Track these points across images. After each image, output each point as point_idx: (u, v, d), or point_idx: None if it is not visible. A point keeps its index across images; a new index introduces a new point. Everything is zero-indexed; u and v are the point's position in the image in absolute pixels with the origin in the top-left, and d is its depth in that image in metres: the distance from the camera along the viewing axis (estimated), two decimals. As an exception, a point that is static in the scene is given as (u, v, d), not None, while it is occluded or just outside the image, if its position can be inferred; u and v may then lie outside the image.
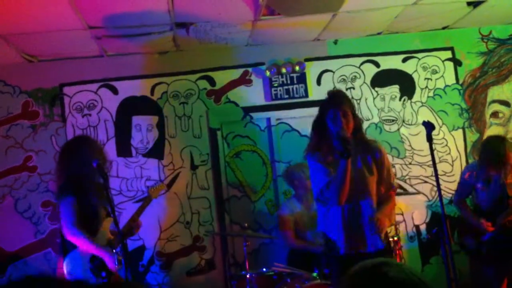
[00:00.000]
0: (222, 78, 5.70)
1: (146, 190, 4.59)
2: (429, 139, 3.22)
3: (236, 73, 5.72)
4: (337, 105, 3.64)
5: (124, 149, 5.56)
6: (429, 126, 3.22)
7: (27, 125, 5.49)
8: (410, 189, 5.68)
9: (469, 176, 4.72)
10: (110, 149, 5.48)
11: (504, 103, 5.85)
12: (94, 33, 4.92)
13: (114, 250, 3.88)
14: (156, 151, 5.58)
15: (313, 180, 3.78)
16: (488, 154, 4.55)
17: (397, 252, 4.81)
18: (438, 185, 3.10)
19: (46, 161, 5.41)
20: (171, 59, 5.65)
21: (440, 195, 3.21)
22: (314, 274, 4.26)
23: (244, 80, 5.73)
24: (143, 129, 5.60)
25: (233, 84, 5.71)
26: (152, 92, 5.63)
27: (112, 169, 5.39)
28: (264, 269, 4.51)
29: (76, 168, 3.99)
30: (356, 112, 3.79)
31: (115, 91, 5.61)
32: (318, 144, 3.75)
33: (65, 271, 3.81)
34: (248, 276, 4.41)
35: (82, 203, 3.93)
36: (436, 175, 3.20)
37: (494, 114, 5.85)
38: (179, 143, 5.60)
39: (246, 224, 4.93)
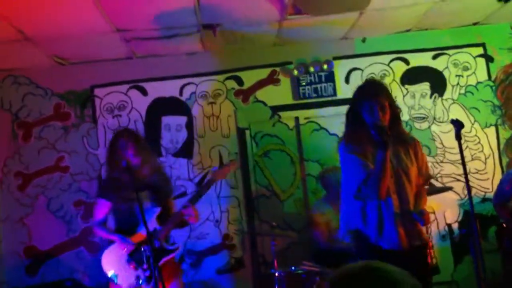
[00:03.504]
0: (250, 77, 5.71)
1: (214, 168, 4.41)
2: (458, 137, 3.14)
3: (263, 73, 5.73)
4: (373, 97, 3.42)
5: (154, 149, 5.59)
6: (457, 125, 3.13)
7: (59, 127, 5.61)
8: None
9: (510, 187, 4.63)
10: (140, 149, 5.56)
11: (538, 99, 5.71)
12: (122, 36, 5.00)
13: (165, 240, 3.91)
14: (185, 151, 5.63)
15: (348, 174, 3.52)
16: None
17: (428, 251, 4.72)
18: (468, 184, 3.04)
19: (78, 162, 5.52)
20: (199, 59, 5.70)
21: (469, 195, 3.14)
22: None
23: (272, 80, 5.73)
24: (172, 129, 5.66)
25: (261, 84, 5.72)
26: (181, 93, 5.69)
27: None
28: (293, 268, 4.49)
29: (112, 168, 4.07)
30: (395, 101, 3.58)
31: (144, 92, 5.68)
32: (353, 134, 3.50)
33: (103, 266, 3.85)
34: (276, 274, 4.41)
35: (117, 205, 4.00)
36: (465, 174, 3.13)
37: (528, 111, 5.72)
38: (207, 143, 5.64)
39: (274, 223, 4.93)
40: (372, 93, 3.46)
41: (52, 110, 5.62)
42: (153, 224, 3.95)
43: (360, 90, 3.58)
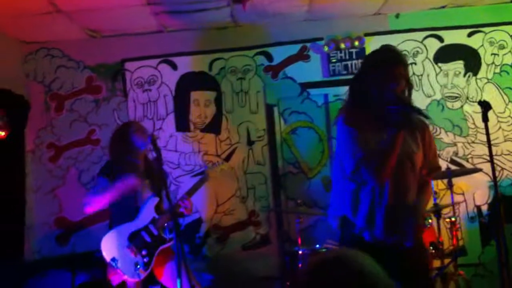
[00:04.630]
0: (279, 53, 5.67)
1: (205, 167, 4.57)
2: (485, 119, 2.96)
3: (293, 49, 5.67)
4: (393, 65, 2.96)
5: (182, 123, 5.65)
6: (485, 106, 2.97)
7: (91, 100, 5.68)
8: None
9: None
10: (169, 124, 5.63)
11: None
12: (153, 9, 5.01)
13: (162, 229, 3.98)
14: (214, 126, 5.65)
15: (345, 151, 3.00)
16: None
17: (454, 233, 4.69)
18: (493, 166, 2.95)
19: (109, 135, 5.53)
20: (228, 34, 5.67)
21: (494, 176, 3.05)
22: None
23: (301, 56, 5.67)
24: (201, 104, 5.67)
25: (291, 60, 5.67)
26: (210, 68, 5.69)
27: (171, 143, 5.53)
28: (317, 246, 4.51)
29: (115, 153, 4.15)
30: (410, 77, 3.12)
31: (174, 66, 5.69)
32: (357, 107, 3.03)
33: (102, 250, 3.93)
34: (300, 252, 4.44)
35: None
36: (491, 155, 3.03)
37: None
38: (236, 119, 5.64)
39: (299, 201, 4.93)
40: (392, 61, 2.98)
41: (84, 83, 5.70)
42: (151, 213, 4.03)
43: (375, 56, 3.12)
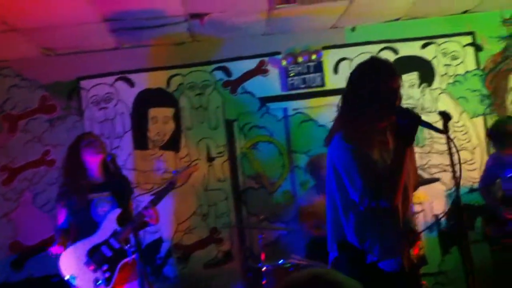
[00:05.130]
0: (238, 68, 5.65)
1: (173, 172, 4.38)
2: (446, 129, 2.83)
3: (252, 63, 5.66)
4: (394, 76, 2.82)
5: (141, 141, 5.57)
6: (445, 116, 2.87)
7: (45, 119, 5.54)
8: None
9: (493, 164, 4.63)
10: (127, 142, 5.53)
11: (527, 88, 5.70)
12: (109, 26, 4.92)
13: (125, 243, 3.88)
14: (173, 144, 5.58)
15: (349, 172, 2.74)
16: (501, 136, 4.46)
17: (416, 242, 4.73)
18: (455, 175, 2.97)
19: (64, 155, 5.43)
20: (186, 50, 5.62)
21: (456, 185, 3.09)
22: (331, 267, 4.22)
23: (260, 70, 5.67)
24: (159, 121, 5.60)
25: (249, 74, 5.66)
26: (168, 84, 5.62)
27: (129, 162, 5.43)
28: (281, 261, 4.48)
29: (69, 172, 4.05)
30: None
31: (131, 83, 5.61)
32: (356, 122, 2.79)
33: (60, 268, 3.81)
34: (264, 268, 4.40)
35: (74, 207, 3.96)
36: (453, 165, 3.06)
37: (516, 100, 5.71)
38: (195, 135, 5.59)
39: (262, 216, 4.91)
40: (393, 71, 2.85)
41: (38, 102, 5.55)
42: (113, 225, 3.93)
43: (374, 66, 2.90)
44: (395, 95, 2.79)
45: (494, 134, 4.62)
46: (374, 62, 2.94)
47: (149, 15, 4.76)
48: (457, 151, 2.76)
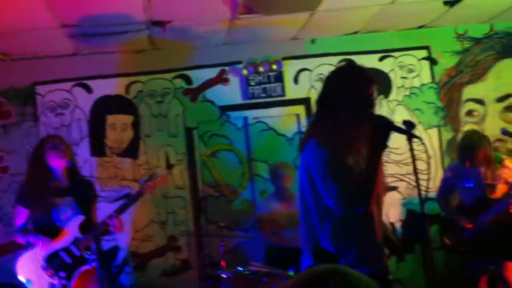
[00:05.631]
0: (198, 76, 5.65)
1: (142, 181, 4.32)
2: (410, 138, 2.83)
3: (213, 72, 5.67)
4: (372, 81, 2.82)
5: (98, 148, 5.48)
6: (409, 125, 2.87)
7: (-1, 125, 5.39)
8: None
9: (452, 174, 4.75)
10: (84, 148, 5.43)
11: (479, 101, 5.89)
12: (68, 32, 4.84)
13: (86, 251, 3.79)
14: (131, 151, 5.51)
15: (323, 178, 2.70)
16: (463, 148, 4.59)
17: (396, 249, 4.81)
18: (418, 184, 3.02)
19: (18, 161, 5.30)
20: (147, 57, 5.59)
21: (420, 194, 3.16)
22: (291, 273, 4.23)
23: (221, 79, 5.69)
24: (117, 128, 5.53)
25: (210, 83, 5.67)
26: (127, 91, 5.57)
27: (86, 169, 5.33)
28: (241, 269, 4.46)
29: (33, 174, 3.95)
30: None
31: (89, 90, 5.53)
32: (330, 128, 2.75)
33: (16, 271, 3.71)
34: (223, 275, 4.37)
35: (36, 209, 3.86)
36: (416, 173, 3.11)
37: (469, 113, 5.89)
38: (154, 143, 5.54)
39: (222, 224, 4.89)
40: (368, 78, 2.85)
41: (-9, 107, 5.40)
42: (75, 232, 3.84)
43: (350, 72, 2.92)
44: (370, 101, 2.80)
45: (461, 146, 4.75)
46: (350, 68, 3.01)
47: (110, 21, 4.70)
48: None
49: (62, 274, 3.71)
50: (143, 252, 5.41)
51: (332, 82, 2.88)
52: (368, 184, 2.65)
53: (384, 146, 2.72)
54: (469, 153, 4.50)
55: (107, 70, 5.53)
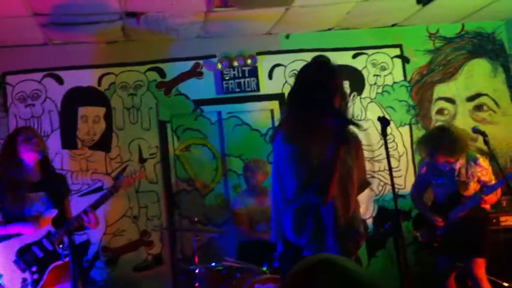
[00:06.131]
0: (172, 70, 5.60)
1: (119, 176, 4.27)
2: (384, 134, 2.92)
3: (187, 65, 5.63)
4: (335, 78, 2.89)
5: (69, 141, 5.39)
6: (384, 122, 2.94)
7: (-33, 115, 5.25)
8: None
9: (426, 170, 4.80)
10: (55, 141, 5.33)
11: (450, 100, 5.99)
12: (39, 21, 4.74)
13: (59, 245, 3.72)
14: (103, 144, 5.44)
15: (286, 171, 2.87)
16: (432, 144, 4.66)
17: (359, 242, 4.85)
18: (392, 179, 3.06)
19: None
20: (120, 49, 5.51)
21: (393, 190, 3.19)
22: (264, 269, 4.24)
23: (195, 73, 5.65)
24: (89, 121, 5.44)
25: (184, 76, 5.62)
26: (99, 83, 5.49)
27: (57, 161, 5.22)
28: (214, 264, 4.45)
29: (6, 166, 3.84)
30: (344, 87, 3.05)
31: (60, 81, 5.42)
32: (297, 121, 2.87)
33: None
34: (197, 270, 4.36)
35: (7, 203, 3.77)
36: (390, 169, 3.13)
37: (440, 111, 5.98)
38: (127, 136, 5.47)
39: (195, 219, 4.87)
40: (333, 73, 2.90)
41: (-41, 97, 5.26)
42: (47, 226, 3.77)
43: (311, 70, 2.98)
44: (334, 95, 2.86)
45: (427, 141, 4.80)
46: (318, 63, 3.02)
47: (83, 10, 4.62)
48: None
49: (34, 268, 3.64)
50: (115, 247, 5.35)
51: (300, 76, 3.00)
52: (326, 176, 2.76)
53: (342, 140, 2.77)
54: (440, 151, 4.56)
55: (79, 61, 5.43)
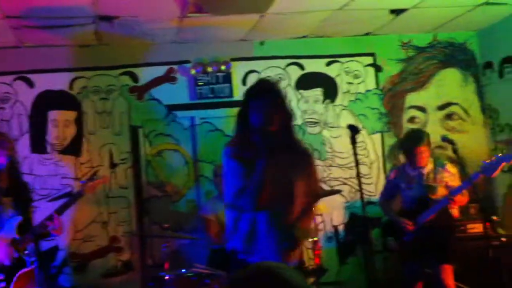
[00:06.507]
0: (145, 74, 5.57)
1: (82, 182, 4.25)
2: (353, 142, 3.12)
3: (160, 70, 5.60)
4: (262, 97, 3.13)
5: (39, 145, 5.32)
6: (354, 130, 3.17)
7: None
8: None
9: (395, 176, 4.85)
10: (24, 145, 5.25)
11: (421, 109, 6.06)
12: (11, 23, 4.68)
13: (24, 251, 3.66)
14: (73, 148, 5.38)
15: (226, 181, 3.28)
16: (405, 145, 4.74)
17: (316, 252, 4.87)
18: (360, 186, 3.11)
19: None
20: (92, 53, 5.46)
21: (362, 197, 3.23)
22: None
23: (168, 78, 5.62)
24: (59, 125, 5.38)
25: (157, 81, 5.59)
26: (71, 87, 5.42)
27: (26, 166, 5.14)
28: (184, 270, 4.42)
29: None
30: (287, 106, 3.28)
31: (31, 84, 5.36)
32: (239, 139, 3.22)
33: None
34: (166, 277, 4.32)
35: None
36: (359, 176, 3.19)
37: (411, 120, 6.05)
38: (98, 140, 5.42)
39: (166, 225, 4.84)
40: (261, 92, 3.17)
41: None
42: (12, 233, 3.72)
43: (250, 89, 3.31)
44: (268, 115, 3.09)
45: (402, 147, 4.89)
46: (253, 83, 3.38)
47: (55, 13, 4.57)
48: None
49: (1, 276, 3.58)
50: (84, 253, 5.29)
51: (243, 96, 3.33)
52: (254, 188, 3.09)
53: (267, 156, 3.05)
54: (411, 149, 4.62)
55: (51, 64, 5.38)
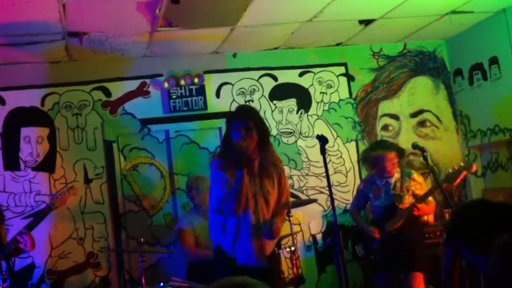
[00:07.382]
0: (118, 89, 5.55)
1: (51, 195, 4.28)
2: (323, 152, 3.31)
3: (133, 84, 5.59)
4: (239, 119, 3.75)
5: (11, 162, 5.26)
6: (322, 140, 3.31)
7: None
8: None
9: (364, 185, 4.90)
10: (-4, 162, 5.18)
11: (394, 116, 6.13)
12: (-22, 40, 4.63)
13: None
14: (47, 165, 5.32)
15: (212, 189, 3.81)
16: (372, 153, 4.79)
17: (294, 262, 4.88)
18: (331, 196, 3.16)
19: None
20: (63, 69, 5.44)
21: (333, 206, 3.27)
22: (212, 288, 4.20)
23: (141, 92, 5.61)
24: (32, 141, 5.33)
25: (130, 96, 5.58)
26: (42, 103, 5.38)
27: (-2, 184, 5.09)
28: (162, 284, 4.39)
29: None
30: (264, 127, 3.84)
31: (2, 101, 5.31)
32: (224, 153, 3.83)
33: None
34: (144, 292, 4.30)
35: None
36: (330, 186, 3.25)
37: (385, 127, 6.12)
38: (72, 156, 5.38)
39: (142, 239, 4.81)
40: (239, 115, 3.80)
41: None
42: None
43: (231, 112, 4.01)
44: (239, 135, 3.69)
45: (365, 158, 4.94)
46: (235, 108, 4.00)
47: (24, 30, 4.54)
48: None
49: None
50: (61, 269, 5.23)
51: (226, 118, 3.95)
52: (233, 196, 3.65)
53: (242, 168, 3.61)
54: (379, 157, 4.68)
55: (22, 81, 5.33)
